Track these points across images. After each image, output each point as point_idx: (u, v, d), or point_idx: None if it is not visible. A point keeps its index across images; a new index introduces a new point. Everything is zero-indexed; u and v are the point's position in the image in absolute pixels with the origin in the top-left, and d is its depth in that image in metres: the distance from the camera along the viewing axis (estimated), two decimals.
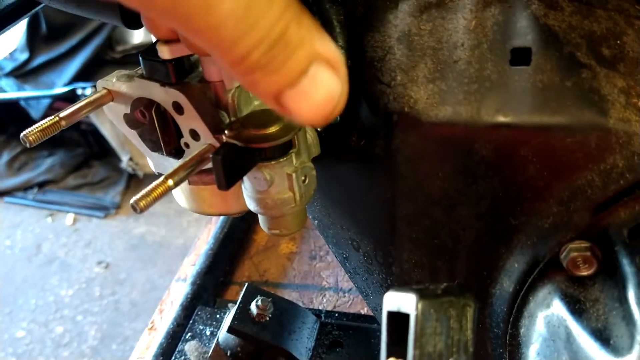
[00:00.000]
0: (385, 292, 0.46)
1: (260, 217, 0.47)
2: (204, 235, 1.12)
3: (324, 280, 1.00)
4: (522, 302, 0.43)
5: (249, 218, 1.12)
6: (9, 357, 2.47)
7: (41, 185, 3.30)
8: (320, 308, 0.93)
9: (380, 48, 0.43)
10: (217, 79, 0.42)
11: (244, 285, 0.81)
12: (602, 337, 0.36)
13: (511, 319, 0.44)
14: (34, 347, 2.48)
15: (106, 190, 3.33)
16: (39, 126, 0.41)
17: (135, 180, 3.28)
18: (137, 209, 0.37)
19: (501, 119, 0.39)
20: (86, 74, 2.77)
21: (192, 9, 0.25)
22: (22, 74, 2.85)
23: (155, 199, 0.38)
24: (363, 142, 0.46)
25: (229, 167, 0.39)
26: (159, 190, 0.38)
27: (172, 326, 0.89)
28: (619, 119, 0.37)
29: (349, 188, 0.50)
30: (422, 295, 0.33)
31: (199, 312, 0.90)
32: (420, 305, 0.33)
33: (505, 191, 0.41)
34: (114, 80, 0.45)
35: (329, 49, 0.29)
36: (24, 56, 2.80)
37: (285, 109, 0.29)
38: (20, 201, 3.19)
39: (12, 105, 3.02)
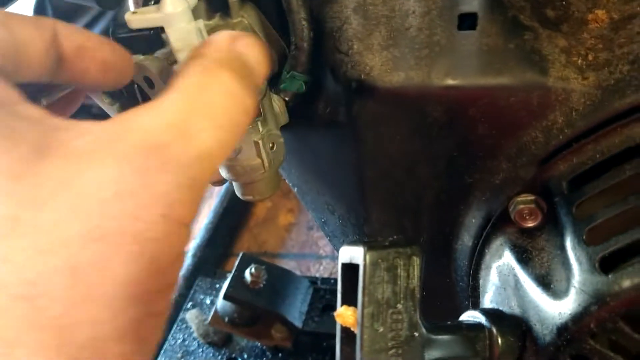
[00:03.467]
0: None
1: (234, 185, 0.50)
2: (205, 210, 1.16)
3: (320, 249, 1.03)
4: (479, 255, 0.46)
5: None
6: None
7: None
8: (317, 275, 0.97)
9: (338, 19, 0.45)
10: None
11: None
12: (544, 282, 0.38)
13: (472, 272, 0.47)
14: None
15: None
16: None
17: None
18: None
19: (450, 81, 0.41)
20: None
21: None
22: None
23: None
24: (328, 109, 0.48)
25: None
26: None
27: (173, 296, 0.92)
28: (558, 77, 0.39)
29: (320, 155, 0.53)
30: (370, 247, 0.36)
31: (199, 283, 0.94)
32: (368, 256, 0.36)
33: (458, 150, 0.44)
34: None
35: None
36: None
37: None
38: None
39: None
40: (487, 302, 0.44)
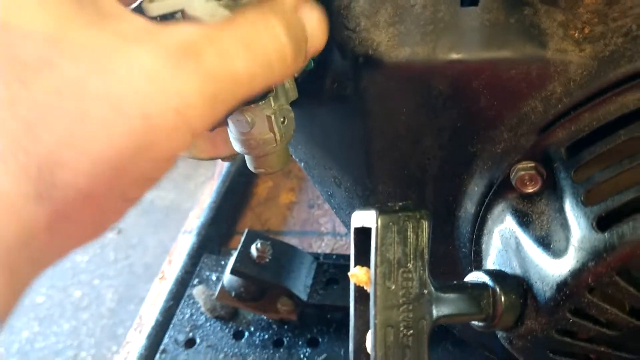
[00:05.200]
0: None
1: (247, 158, 0.52)
2: (207, 190, 1.18)
3: (322, 227, 1.06)
4: (482, 221, 0.48)
5: (249, 172, 1.17)
6: (31, 321, 2.57)
7: None
8: (319, 252, 0.99)
9: None
10: None
11: None
12: (544, 242, 0.41)
13: (474, 238, 0.50)
14: (54, 311, 2.58)
15: None
16: None
17: None
18: None
19: (454, 55, 0.43)
20: None
21: None
22: None
23: None
24: (336, 85, 0.50)
25: None
26: None
27: (180, 274, 0.95)
28: (557, 49, 0.41)
29: (328, 129, 0.55)
30: (382, 211, 0.38)
31: (205, 260, 0.96)
32: (380, 219, 0.38)
33: (462, 122, 0.46)
34: None
35: None
36: None
37: None
38: None
39: None
40: (490, 264, 0.46)
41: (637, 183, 0.36)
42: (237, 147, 0.50)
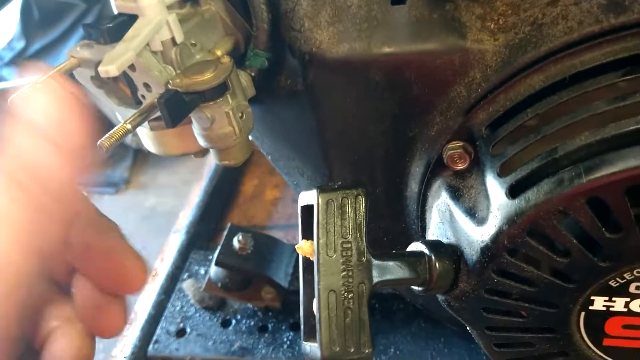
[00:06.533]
0: None
1: (212, 152, 0.57)
2: (195, 190, 1.23)
3: None
4: (424, 199, 0.53)
5: (235, 171, 1.22)
6: None
7: None
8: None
9: (290, 1, 0.52)
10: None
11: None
12: (471, 212, 0.46)
13: (419, 214, 0.54)
14: None
15: (114, 167, 3.43)
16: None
17: (141, 155, 3.39)
18: (103, 148, 0.48)
19: (386, 49, 0.48)
20: None
21: None
22: (20, 62, 2.94)
23: (117, 140, 0.48)
24: (289, 81, 0.55)
25: (173, 108, 0.49)
26: (120, 132, 0.49)
27: (171, 269, 1.00)
28: (475, 40, 0.46)
29: (286, 122, 0.60)
30: (322, 190, 0.43)
31: (194, 255, 1.02)
32: (320, 197, 0.43)
33: (399, 109, 0.51)
34: (78, 49, 0.55)
35: None
36: (20, 44, 2.88)
37: None
38: None
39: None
40: (430, 236, 0.51)
41: (540, 154, 0.41)
42: (201, 142, 0.55)
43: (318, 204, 0.43)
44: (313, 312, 0.44)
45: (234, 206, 1.17)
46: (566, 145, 0.40)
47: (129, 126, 0.49)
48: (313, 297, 0.44)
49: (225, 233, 0.89)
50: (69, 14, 2.87)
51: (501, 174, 0.43)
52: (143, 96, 0.55)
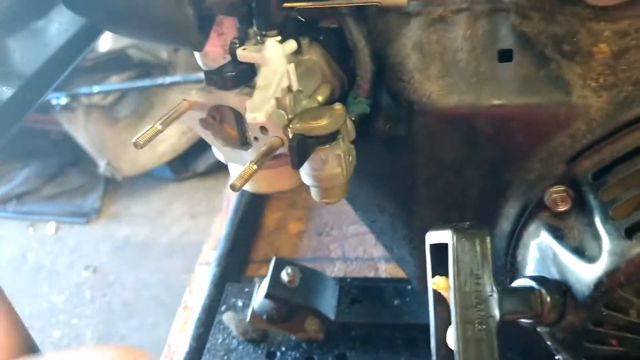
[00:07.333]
0: (408, 244, 0.60)
1: (313, 190, 0.60)
2: (217, 224, 1.24)
3: (332, 252, 1.14)
4: (517, 237, 0.58)
5: (259, 204, 1.25)
6: None
7: (19, 197, 3.32)
8: (332, 276, 1.07)
9: (399, 55, 0.56)
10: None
11: (264, 262, 0.94)
12: (579, 251, 0.51)
13: (510, 251, 0.59)
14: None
15: (85, 197, 3.37)
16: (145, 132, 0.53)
17: (113, 185, 3.34)
18: (235, 188, 0.51)
19: (495, 101, 0.53)
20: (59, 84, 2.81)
21: None
22: None
23: (246, 180, 0.51)
24: (388, 126, 0.60)
25: (300, 151, 0.52)
26: (248, 172, 0.52)
27: (206, 302, 1.01)
28: (579, 96, 0.52)
29: (376, 162, 0.64)
30: (456, 229, 0.48)
31: (229, 288, 1.03)
32: (455, 236, 0.47)
33: (501, 155, 0.56)
34: (193, 93, 0.57)
35: None
36: None
37: None
38: (0, 214, 3.21)
39: None
40: (529, 272, 0.56)
41: None
42: (307, 181, 0.59)
43: (454, 243, 0.47)
44: (445, 343, 0.48)
45: (258, 239, 1.19)
46: None
47: (255, 166, 0.52)
48: (445, 328, 0.48)
49: (271, 266, 0.92)
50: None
51: (615, 217, 0.48)
52: (256, 138, 0.58)
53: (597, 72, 0.52)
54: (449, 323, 0.47)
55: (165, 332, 1.69)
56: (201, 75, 0.56)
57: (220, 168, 2.42)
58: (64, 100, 2.73)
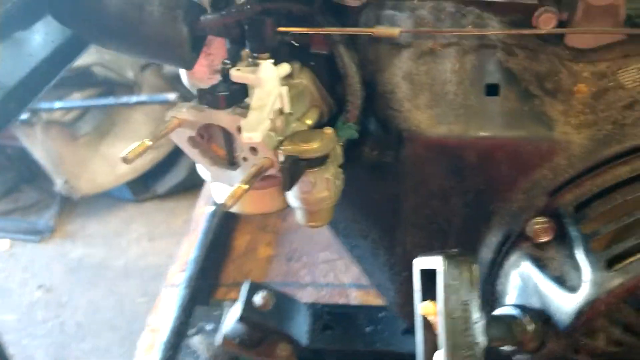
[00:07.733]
0: (389, 270, 0.61)
1: (299, 213, 0.60)
2: (184, 246, 1.23)
3: (301, 278, 1.14)
4: (498, 266, 0.59)
5: (229, 226, 1.24)
6: None
7: None
8: (303, 302, 1.07)
9: (389, 84, 0.58)
10: None
11: (234, 285, 0.93)
12: (560, 281, 0.52)
13: (491, 280, 0.60)
14: None
15: (39, 214, 3.26)
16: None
17: (69, 203, 3.25)
18: (226, 206, 0.51)
19: (482, 133, 0.55)
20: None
21: None
22: None
23: (237, 199, 0.51)
24: (376, 152, 0.61)
25: (291, 173, 0.53)
26: (239, 192, 0.52)
27: (175, 324, 0.99)
28: (561, 132, 0.54)
29: (361, 187, 0.65)
30: (446, 256, 0.49)
31: (197, 311, 1.01)
32: (446, 262, 0.48)
33: (485, 185, 0.57)
34: (183, 110, 0.57)
35: None
36: None
37: None
38: None
39: None
40: (510, 300, 0.57)
41: (633, 234, 0.49)
42: (295, 203, 0.59)
43: (444, 268, 0.48)
44: None
45: (228, 261, 1.18)
46: None
47: (245, 186, 0.52)
48: (432, 352, 0.48)
49: (244, 289, 0.91)
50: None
51: (595, 249, 0.50)
52: (245, 158, 0.58)
53: (578, 110, 0.55)
54: (436, 348, 0.48)
55: (118, 357, 1.65)
56: (167, 96, 0.56)
57: (181, 191, 2.38)
58: (23, 115, 2.66)
